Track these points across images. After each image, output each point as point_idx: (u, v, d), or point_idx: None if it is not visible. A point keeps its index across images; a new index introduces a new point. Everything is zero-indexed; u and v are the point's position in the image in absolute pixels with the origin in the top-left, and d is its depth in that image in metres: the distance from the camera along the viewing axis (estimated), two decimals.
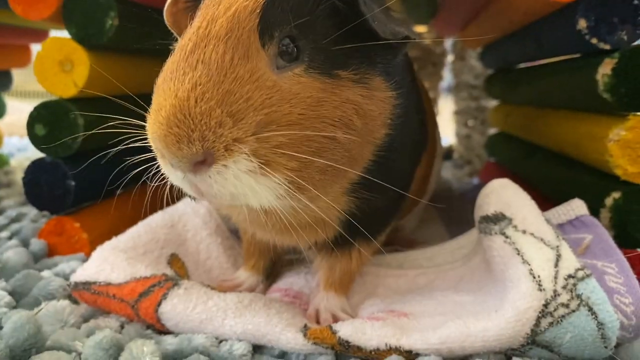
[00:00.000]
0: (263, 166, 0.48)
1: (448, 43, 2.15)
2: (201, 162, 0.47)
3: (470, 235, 0.73)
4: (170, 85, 0.48)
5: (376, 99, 0.54)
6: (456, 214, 1.17)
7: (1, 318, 0.62)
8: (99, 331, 0.57)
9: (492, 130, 1.82)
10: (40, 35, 1.49)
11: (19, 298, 0.69)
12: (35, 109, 0.82)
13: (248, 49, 0.49)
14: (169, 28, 0.61)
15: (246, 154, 0.47)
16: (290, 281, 0.73)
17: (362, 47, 0.52)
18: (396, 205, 0.68)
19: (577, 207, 0.67)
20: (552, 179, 0.98)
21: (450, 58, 2.15)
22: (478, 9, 1.12)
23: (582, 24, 0.70)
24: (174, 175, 0.50)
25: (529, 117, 1.15)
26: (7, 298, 0.67)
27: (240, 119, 0.47)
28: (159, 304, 0.62)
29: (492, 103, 1.80)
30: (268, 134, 0.48)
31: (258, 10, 0.50)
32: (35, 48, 1.55)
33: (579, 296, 0.54)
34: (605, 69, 0.70)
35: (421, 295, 0.65)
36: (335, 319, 0.63)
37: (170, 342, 0.59)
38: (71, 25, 0.81)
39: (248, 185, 0.48)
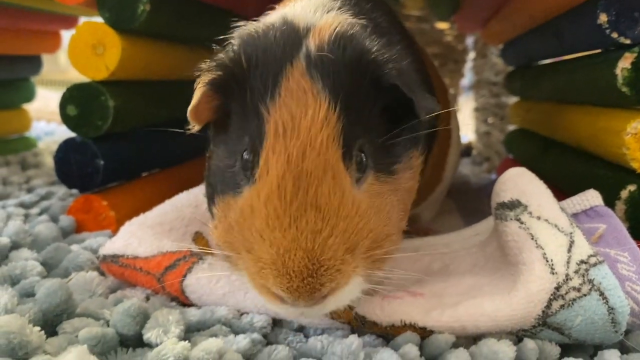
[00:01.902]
0: (366, 276, 0.52)
1: (469, 40, 2.15)
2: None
3: (486, 222, 0.74)
4: (283, 234, 0.48)
5: (416, 170, 0.59)
6: (473, 206, 1.18)
7: (34, 286, 0.66)
8: (126, 299, 0.60)
9: (511, 127, 1.83)
10: (70, 21, 1.53)
11: (49, 269, 0.72)
12: (68, 90, 0.85)
13: (339, 178, 0.50)
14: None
15: (361, 276, 0.51)
16: None
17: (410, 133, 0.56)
18: None
19: (592, 198, 0.68)
20: (568, 173, 0.99)
21: (471, 55, 2.16)
22: (499, 5, 1.13)
23: (602, 18, 0.71)
24: (279, 306, 0.52)
25: (548, 113, 1.16)
26: (39, 268, 0.70)
27: (353, 249, 0.50)
28: (184, 277, 0.64)
29: (512, 100, 1.81)
30: (372, 252, 0.51)
31: (336, 135, 0.51)
32: (65, 34, 1.59)
33: (590, 281, 0.56)
34: (624, 63, 0.71)
35: (436, 277, 0.67)
36: None
37: (193, 314, 0.62)
38: (104, 10, 0.84)
39: (355, 294, 0.52)
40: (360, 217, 0.50)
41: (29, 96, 1.62)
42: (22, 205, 0.95)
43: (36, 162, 1.34)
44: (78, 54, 0.84)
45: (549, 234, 0.59)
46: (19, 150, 1.50)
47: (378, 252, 0.52)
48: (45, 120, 1.96)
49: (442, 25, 2.06)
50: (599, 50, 0.85)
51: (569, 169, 0.99)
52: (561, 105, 1.06)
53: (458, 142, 0.97)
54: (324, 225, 0.48)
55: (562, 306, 0.55)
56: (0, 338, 0.51)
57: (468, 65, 2.22)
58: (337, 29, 0.56)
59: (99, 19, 0.85)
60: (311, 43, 0.55)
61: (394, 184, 0.55)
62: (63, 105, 0.86)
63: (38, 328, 0.54)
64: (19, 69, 1.55)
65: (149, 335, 0.56)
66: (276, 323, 0.62)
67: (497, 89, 1.97)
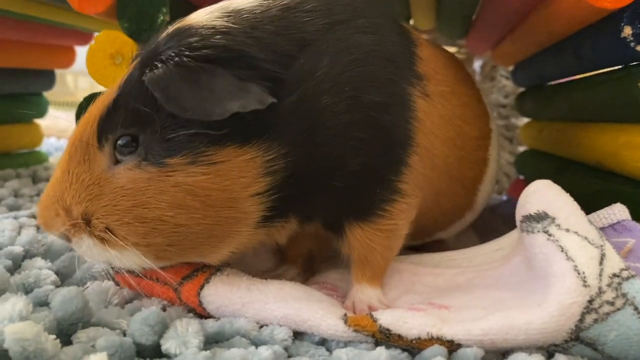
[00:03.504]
0: (102, 241, 0.60)
1: (477, 64, 2.16)
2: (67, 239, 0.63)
3: (509, 237, 0.73)
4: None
5: (228, 167, 0.58)
6: (487, 224, 1.17)
7: (48, 294, 0.64)
8: (145, 308, 0.58)
9: (521, 149, 1.82)
10: (84, 37, 1.54)
11: (63, 279, 0.71)
12: (85, 99, 0.84)
13: (86, 153, 0.60)
14: None
15: (84, 234, 0.60)
16: (327, 274, 0.74)
17: (194, 130, 0.58)
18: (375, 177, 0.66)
19: (618, 212, 0.67)
20: (586, 192, 0.97)
21: (478, 79, 2.17)
22: (514, 23, 1.13)
23: (627, 31, 0.71)
24: None
25: (563, 132, 1.15)
26: (53, 277, 0.68)
27: (70, 210, 0.60)
28: (202, 287, 0.63)
29: (522, 121, 1.80)
30: (95, 220, 0.60)
31: (98, 118, 0.61)
32: (79, 50, 1.60)
33: (624, 295, 0.54)
34: None
35: (460, 291, 0.66)
36: (372, 310, 0.63)
37: (211, 325, 0.60)
38: (124, 20, 0.84)
39: (101, 253, 0.61)
40: (87, 187, 0.60)
41: (42, 111, 1.62)
42: (34, 216, 0.94)
43: (47, 176, 1.33)
44: (96, 64, 0.84)
45: (580, 246, 0.57)
46: (30, 164, 1.50)
47: (103, 222, 0.60)
48: (55, 137, 1.97)
49: (450, 50, 2.07)
50: (619, 67, 0.84)
51: (587, 188, 0.97)
52: (577, 124, 1.05)
53: (494, 173, 0.94)
54: (53, 182, 0.62)
55: (595, 320, 0.53)
56: (15, 345, 0.50)
57: None
58: (176, 28, 0.62)
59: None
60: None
61: (158, 178, 0.58)
62: (79, 113, 0.85)
63: (53, 336, 0.53)
64: (32, 84, 1.56)
65: (168, 345, 0.55)
66: (297, 336, 0.61)
67: (506, 111, 1.97)
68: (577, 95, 1.03)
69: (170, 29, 0.62)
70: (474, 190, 0.85)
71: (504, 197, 1.64)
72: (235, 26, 0.60)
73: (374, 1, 0.69)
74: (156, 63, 0.57)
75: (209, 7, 0.65)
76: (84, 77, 3.55)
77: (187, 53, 0.57)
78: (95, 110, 0.62)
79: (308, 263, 0.76)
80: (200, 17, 0.62)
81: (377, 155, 0.63)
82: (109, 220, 0.59)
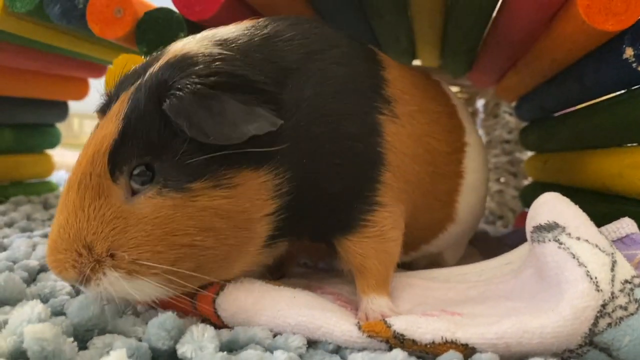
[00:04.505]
0: (126, 275, 0.59)
1: (479, 103, 2.20)
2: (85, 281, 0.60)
3: (518, 251, 0.74)
4: (53, 225, 0.62)
5: (245, 189, 0.61)
6: (495, 252, 1.17)
7: (63, 304, 0.65)
8: (161, 314, 0.59)
9: (526, 182, 1.83)
10: (98, 69, 1.59)
11: (78, 291, 0.71)
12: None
13: (99, 188, 0.60)
14: None
15: (108, 268, 0.59)
16: (341, 287, 0.74)
17: (214, 156, 0.59)
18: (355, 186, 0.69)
19: (627, 226, 0.68)
20: (594, 215, 0.98)
21: (481, 117, 2.20)
22: (518, 54, 1.16)
23: (628, 52, 0.74)
24: None
25: (568, 161, 1.17)
26: (68, 288, 0.69)
27: (92, 248, 0.59)
28: (217, 295, 0.63)
29: (526, 155, 1.82)
30: (121, 254, 0.59)
31: (108, 151, 0.60)
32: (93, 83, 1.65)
33: (636, 300, 0.55)
34: None
35: (473, 302, 0.66)
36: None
37: (225, 334, 0.61)
38: (143, 44, 0.87)
39: (122, 288, 0.59)
40: (108, 223, 0.59)
41: (54, 142, 1.66)
42: (47, 236, 0.95)
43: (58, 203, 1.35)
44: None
45: (591, 253, 0.58)
46: (41, 193, 1.52)
47: (129, 256, 0.59)
48: (64, 170, 2.00)
49: (453, 89, 2.11)
50: (622, 92, 0.87)
51: (594, 211, 0.98)
52: (582, 152, 1.07)
53: (478, 184, 0.96)
54: (65, 223, 0.60)
55: (609, 324, 0.54)
56: (34, 345, 0.50)
57: (479, 127, 2.25)
58: (174, 57, 0.63)
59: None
60: (152, 69, 0.63)
61: (183, 203, 0.59)
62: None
63: (71, 339, 0.53)
64: (46, 114, 1.59)
65: (184, 349, 0.55)
66: (310, 345, 0.61)
67: (510, 147, 1.99)
68: (581, 123, 1.06)
69: (166, 57, 0.65)
70: (450, 202, 0.88)
71: (510, 227, 1.64)
72: (229, 53, 0.63)
73: (341, 30, 0.75)
74: (173, 92, 0.59)
75: (193, 36, 0.68)
76: (90, 120, 3.61)
77: (197, 80, 0.59)
78: (99, 144, 0.61)
79: (276, 266, 0.79)
80: (193, 45, 0.65)
81: (353, 177, 0.68)
82: (139, 251, 0.59)
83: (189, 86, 0.59)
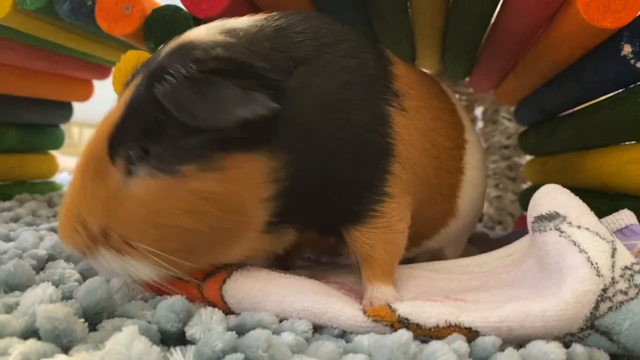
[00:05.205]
0: (121, 252, 0.62)
1: (478, 111, 2.22)
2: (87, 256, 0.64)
3: (519, 243, 0.75)
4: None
5: (237, 173, 0.62)
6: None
7: (72, 290, 0.66)
8: (170, 297, 0.60)
9: (525, 186, 1.85)
10: (103, 71, 1.61)
11: (86, 278, 0.72)
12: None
13: (99, 169, 0.63)
14: None
15: (102, 247, 0.62)
16: (345, 277, 0.75)
17: (203, 138, 0.61)
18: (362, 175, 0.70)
19: (626, 217, 0.69)
20: (594, 213, 0.99)
21: (480, 124, 2.22)
22: (517, 56, 1.18)
23: (626, 49, 0.75)
24: None
25: (567, 161, 1.18)
26: (77, 275, 0.70)
27: (86, 225, 0.62)
28: (224, 282, 0.64)
29: (525, 160, 1.84)
30: (112, 233, 0.62)
31: (109, 134, 0.63)
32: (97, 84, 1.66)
33: (636, 285, 0.56)
34: None
35: (475, 291, 0.67)
36: None
37: (232, 320, 0.61)
38: (150, 41, 0.89)
39: (120, 265, 0.62)
40: (103, 201, 0.62)
41: (58, 142, 1.67)
42: (54, 230, 0.96)
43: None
44: (122, 80, 0.88)
45: (591, 240, 0.60)
46: (45, 192, 1.53)
47: (120, 234, 0.62)
48: (67, 172, 2.01)
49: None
50: (621, 90, 0.89)
51: (594, 209, 1.00)
52: (581, 152, 1.09)
53: (478, 180, 0.98)
54: (70, 201, 0.64)
55: (610, 308, 0.55)
56: (47, 324, 0.51)
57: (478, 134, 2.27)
58: (178, 44, 0.65)
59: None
60: (158, 57, 0.66)
61: (172, 185, 0.60)
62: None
63: (82, 320, 0.54)
64: (50, 115, 1.61)
65: (193, 331, 0.56)
66: (316, 330, 0.62)
67: (508, 152, 2.01)
68: (580, 123, 1.07)
69: (172, 44, 0.67)
70: (452, 197, 0.89)
71: (510, 230, 1.66)
72: (234, 40, 0.65)
73: (350, 25, 0.77)
74: (165, 76, 0.61)
75: (205, 25, 0.71)
76: (89, 129, 3.63)
77: (192, 66, 0.61)
78: (104, 128, 0.64)
79: (281, 257, 0.80)
80: (200, 33, 0.67)
81: (363, 166, 0.69)
82: (127, 230, 0.61)
83: (181, 70, 0.60)
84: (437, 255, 1.01)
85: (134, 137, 0.62)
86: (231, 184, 0.62)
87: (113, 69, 0.93)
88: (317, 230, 0.73)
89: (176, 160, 0.60)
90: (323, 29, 0.71)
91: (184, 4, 0.89)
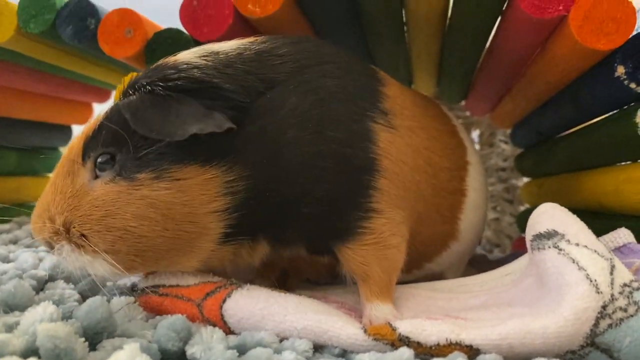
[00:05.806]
0: (79, 247, 0.66)
1: (475, 134, 2.25)
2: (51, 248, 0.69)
3: (518, 262, 0.75)
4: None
5: (189, 184, 0.65)
6: None
7: (72, 311, 0.65)
8: (170, 316, 0.59)
9: (522, 208, 1.85)
10: (103, 94, 1.62)
11: (87, 297, 0.72)
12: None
13: (71, 170, 0.68)
14: None
15: (64, 241, 0.67)
16: (344, 296, 0.75)
17: (161, 149, 0.65)
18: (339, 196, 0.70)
19: (624, 235, 0.70)
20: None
21: (477, 147, 2.24)
22: (512, 78, 1.20)
23: (620, 70, 0.77)
24: None
25: (564, 183, 1.19)
26: (77, 296, 0.70)
27: (53, 220, 0.67)
28: (224, 301, 0.64)
29: (522, 182, 1.85)
30: (72, 229, 0.66)
31: (84, 140, 0.68)
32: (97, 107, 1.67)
33: (635, 302, 0.56)
34: None
35: (475, 309, 0.67)
36: None
37: (232, 339, 0.61)
38: (152, 64, 0.89)
39: (77, 259, 0.66)
40: (67, 199, 0.66)
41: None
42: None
43: None
44: None
45: (590, 257, 0.60)
46: None
47: (79, 231, 0.65)
48: None
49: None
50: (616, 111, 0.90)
51: (591, 229, 1.00)
52: (578, 172, 1.10)
53: (479, 202, 0.98)
54: (43, 197, 0.70)
55: (610, 325, 0.55)
56: (47, 342, 0.51)
57: None
58: (159, 64, 0.71)
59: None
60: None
61: (127, 191, 0.64)
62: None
63: (83, 339, 0.54)
64: (50, 138, 1.61)
65: (194, 350, 0.56)
66: (317, 349, 0.62)
67: (505, 174, 2.02)
68: (576, 144, 1.09)
69: (156, 64, 0.72)
70: (453, 218, 0.89)
71: (508, 252, 1.66)
72: (210, 63, 0.69)
73: (340, 48, 0.79)
74: (131, 91, 0.68)
75: (193, 48, 0.74)
76: None
77: (160, 83, 0.66)
78: (84, 133, 0.70)
79: (281, 279, 0.81)
80: (186, 55, 0.71)
81: (341, 182, 0.70)
82: (84, 228, 0.65)
83: (147, 86, 0.66)
84: (437, 279, 1.01)
85: (104, 143, 0.67)
86: (183, 194, 0.65)
87: (113, 92, 0.94)
88: (304, 247, 0.74)
89: (136, 169, 0.65)
90: (306, 52, 0.74)
91: (185, 27, 0.91)
